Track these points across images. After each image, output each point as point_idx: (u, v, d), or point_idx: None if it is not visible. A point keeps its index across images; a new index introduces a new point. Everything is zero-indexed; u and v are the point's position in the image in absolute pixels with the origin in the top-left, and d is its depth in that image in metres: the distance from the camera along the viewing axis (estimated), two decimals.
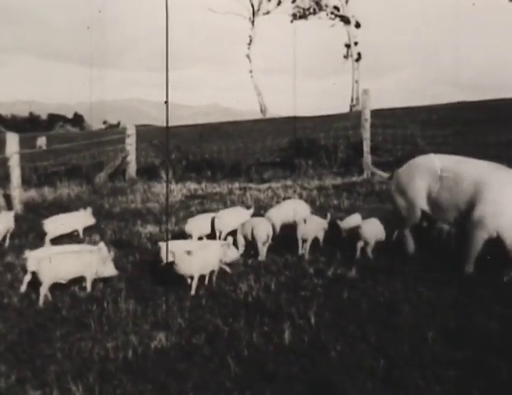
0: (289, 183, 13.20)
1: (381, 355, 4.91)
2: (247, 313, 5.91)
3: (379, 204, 10.10)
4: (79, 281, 6.75)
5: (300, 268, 7.22)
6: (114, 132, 24.48)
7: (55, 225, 8.83)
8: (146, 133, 17.76)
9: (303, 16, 40.75)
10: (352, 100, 40.58)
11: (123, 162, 15.10)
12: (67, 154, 17.26)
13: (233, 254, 7.24)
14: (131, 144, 15.16)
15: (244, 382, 4.65)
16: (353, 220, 8.01)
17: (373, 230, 7.64)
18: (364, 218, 7.90)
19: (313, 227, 7.85)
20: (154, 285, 6.78)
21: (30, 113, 47.90)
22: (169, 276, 6.58)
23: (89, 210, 9.40)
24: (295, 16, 40.76)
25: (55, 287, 6.58)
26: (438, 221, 7.34)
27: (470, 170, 7.02)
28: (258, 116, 40.96)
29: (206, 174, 14.85)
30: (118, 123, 44.62)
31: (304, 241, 7.77)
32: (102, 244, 7.00)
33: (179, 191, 12.83)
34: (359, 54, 40.99)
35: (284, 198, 11.13)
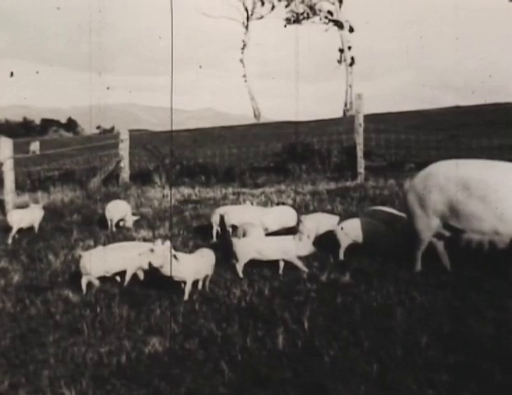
0: (283, 187, 13.20)
1: (374, 360, 4.92)
2: (240, 318, 5.92)
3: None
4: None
5: (294, 273, 7.22)
6: (107, 137, 24.47)
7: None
8: (139, 138, 17.75)
9: (297, 21, 40.79)
10: (346, 105, 40.61)
11: (117, 167, 15.10)
12: (60, 159, 17.25)
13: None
14: (124, 149, 15.16)
15: (237, 387, 4.65)
16: (351, 224, 8.00)
17: (352, 230, 7.72)
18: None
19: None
20: (147, 290, 6.78)
21: (24, 118, 47.82)
22: (163, 281, 6.58)
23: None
24: (288, 21, 40.79)
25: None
26: (466, 232, 6.83)
27: (504, 177, 6.71)
28: (252, 121, 40.98)
29: (199, 178, 14.84)
30: (112, 128, 44.50)
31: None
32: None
33: (172, 196, 12.81)
34: (352, 59, 41.04)
35: (278, 203, 11.14)
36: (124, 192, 13.27)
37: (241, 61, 41.54)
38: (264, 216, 8.73)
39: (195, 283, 6.66)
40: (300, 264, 7.25)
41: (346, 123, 19.26)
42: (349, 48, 41.00)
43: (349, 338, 5.38)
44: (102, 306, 6.30)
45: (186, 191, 13.39)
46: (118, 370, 4.98)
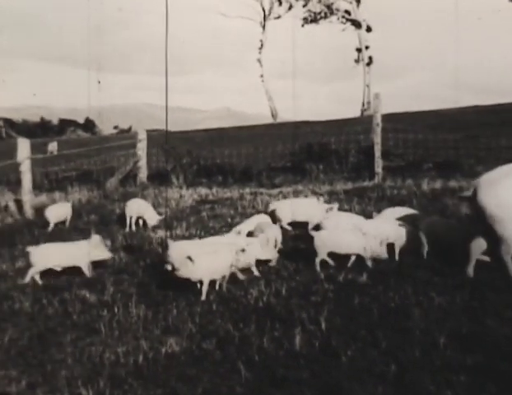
0: (300, 187, 13.17)
1: (392, 360, 4.89)
2: (257, 318, 5.90)
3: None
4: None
5: (311, 273, 7.20)
6: (125, 137, 24.56)
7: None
8: (157, 138, 17.79)
9: (314, 21, 40.77)
10: (363, 105, 40.54)
11: (134, 167, 15.15)
12: (78, 159, 17.33)
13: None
14: (142, 149, 15.21)
15: (254, 387, 4.64)
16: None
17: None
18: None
19: None
20: (164, 290, 6.78)
21: (42, 119, 48.11)
22: (180, 281, 6.59)
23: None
24: (306, 21, 40.79)
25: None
26: None
27: None
28: (269, 120, 41.00)
29: (217, 178, 14.85)
30: (130, 128, 44.70)
31: None
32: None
33: (189, 196, 12.83)
34: (370, 58, 40.97)
35: None
36: (142, 193, 13.30)
37: (258, 61, 41.62)
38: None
39: (212, 283, 6.66)
40: (369, 262, 7.34)
41: (363, 122, 19.19)
42: (366, 47, 40.94)
43: (366, 339, 5.35)
44: (119, 306, 6.31)
45: (203, 191, 13.40)
46: (135, 370, 4.99)
